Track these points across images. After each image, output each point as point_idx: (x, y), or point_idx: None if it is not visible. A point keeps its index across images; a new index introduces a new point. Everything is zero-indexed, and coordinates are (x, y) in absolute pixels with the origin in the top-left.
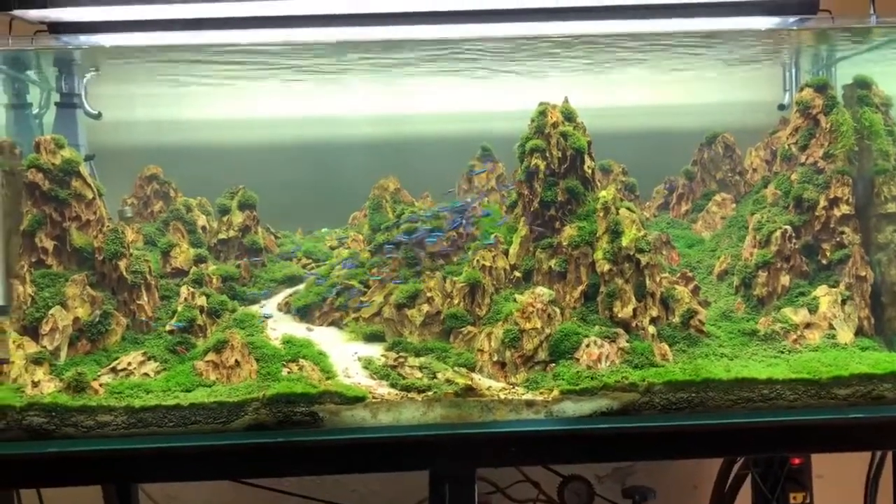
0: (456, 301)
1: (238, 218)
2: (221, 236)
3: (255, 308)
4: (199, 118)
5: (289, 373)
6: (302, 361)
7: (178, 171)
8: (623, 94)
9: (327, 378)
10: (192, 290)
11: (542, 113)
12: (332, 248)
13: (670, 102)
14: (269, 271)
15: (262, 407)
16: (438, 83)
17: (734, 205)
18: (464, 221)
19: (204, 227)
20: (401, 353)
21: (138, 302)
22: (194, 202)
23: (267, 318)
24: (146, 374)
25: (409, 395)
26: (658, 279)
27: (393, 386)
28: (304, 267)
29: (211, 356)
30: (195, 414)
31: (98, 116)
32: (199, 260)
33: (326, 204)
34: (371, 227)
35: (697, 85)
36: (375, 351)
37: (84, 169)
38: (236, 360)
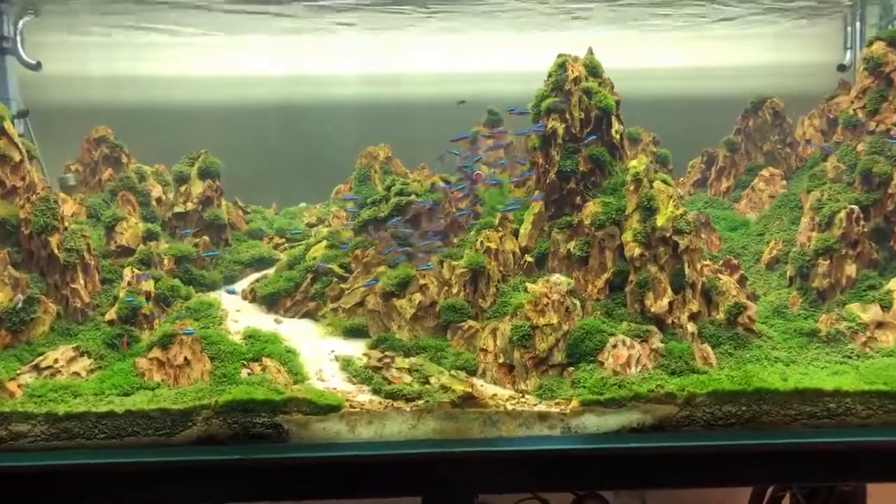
0: (455, 290)
1: (198, 188)
2: (178, 209)
3: (213, 295)
4: (162, 74)
5: (249, 374)
6: (266, 361)
7: (133, 134)
8: (653, 53)
9: (296, 382)
10: (137, 272)
11: (562, 66)
12: (311, 226)
13: (706, 64)
14: (235, 251)
15: (215, 416)
16: (439, 38)
17: (784, 181)
18: (472, 186)
19: (159, 200)
20: (387, 353)
21: (73, 286)
22: (149, 170)
23: (231, 293)
24: (76, 374)
25: (396, 404)
26: (699, 267)
27: (376, 392)
28: (276, 247)
29: (156, 353)
30: (132, 423)
31: (37, 67)
32: (149, 237)
33: (306, 174)
34: (357, 201)
35: (738, 44)
36: (356, 349)
37: (11, 126)
38: (186, 358)
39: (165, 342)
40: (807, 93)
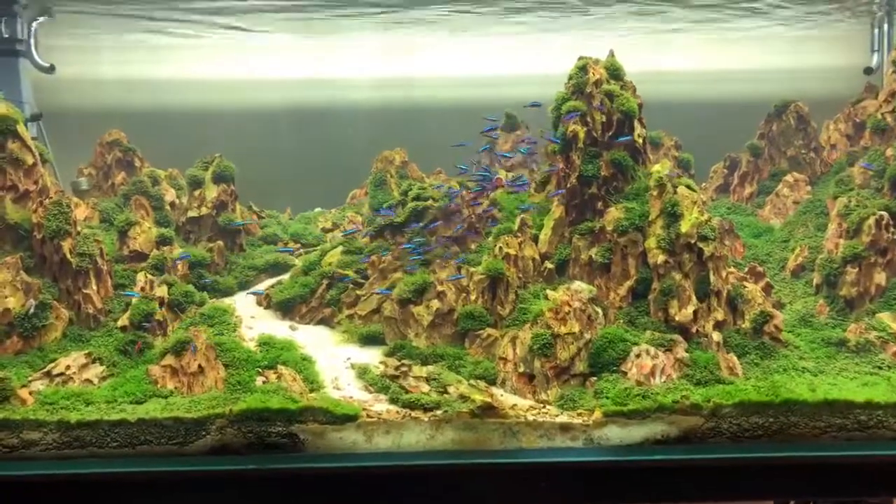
0: (473, 297)
1: (212, 192)
2: (192, 214)
3: (227, 301)
4: (176, 77)
5: (264, 382)
6: (281, 369)
7: (146, 138)
8: (673, 56)
9: (311, 390)
10: (150, 277)
11: (583, 69)
12: (326, 231)
13: (724, 67)
14: (249, 257)
15: (229, 425)
16: (454, 41)
17: (809, 187)
18: (490, 189)
19: (173, 204)
20: (404, 361)
21: (85, 291)
22: (163, 174)
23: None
24: (88, 381)
25: (414, 414)
26: (724, 274)
27: (393, 402)
28: (291, 253)
29: (169, 360)
30: (145, 432)
31: (51, 70)
32: (162, 241)
33: (321, 179)
34: (372, 206)
35: (757, 47)
36: (373, 357)
37: (24, 129)
38: (200, 366)
39: (179, 349)
40: (830, 97)
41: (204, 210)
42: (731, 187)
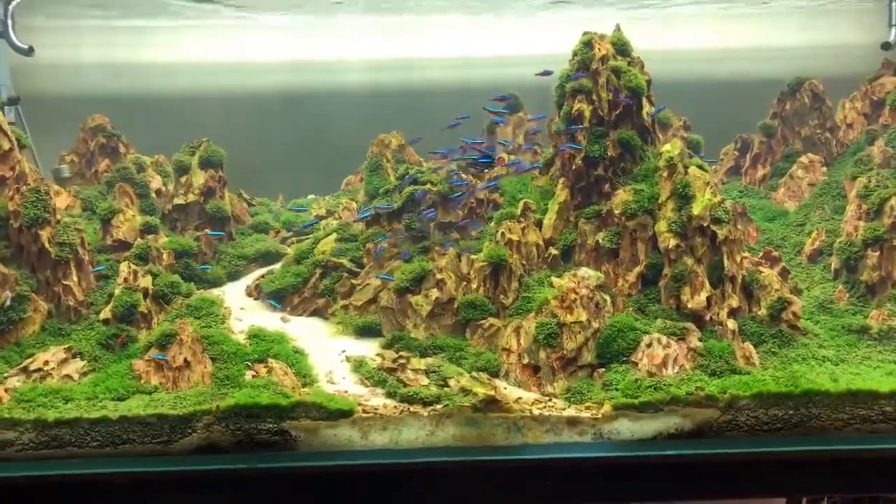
0: (474, 285)
1: (199, 178)
2: (178, 201)
3: (215, 292)
4: (164, 61)
5: (254, 377)
6: (272, 362)
7: (132, 124)
8: (681, 34)
9: (304, 384)
10: (134, 267)
11: (588, 44)
12: (320, 219)
13: (733, 45)
14: (239, 246)
15: (216, 422)
16: (452, 21)
17: (825, 168)
18: (493, 162)
19: (159, 191)
20: (402, 353)
21: (65, 282)
22: (148, 160)
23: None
24: (68, 377)
25: (412, 409)
26: (739, 259)
27: (391, 396)
28: (283, 241)
29: (154, 353)
30: (127, 430)
31: (29, 52)
32: (147, 230)
33: (315, 165)
34: (367, 192)
35: (767, 23)
36: (369, 349)
37: (0, 114)
38: (186, 360)
39: (164, 342)
40: (845, 75)
41: (191, 197)
42: (743, 169)
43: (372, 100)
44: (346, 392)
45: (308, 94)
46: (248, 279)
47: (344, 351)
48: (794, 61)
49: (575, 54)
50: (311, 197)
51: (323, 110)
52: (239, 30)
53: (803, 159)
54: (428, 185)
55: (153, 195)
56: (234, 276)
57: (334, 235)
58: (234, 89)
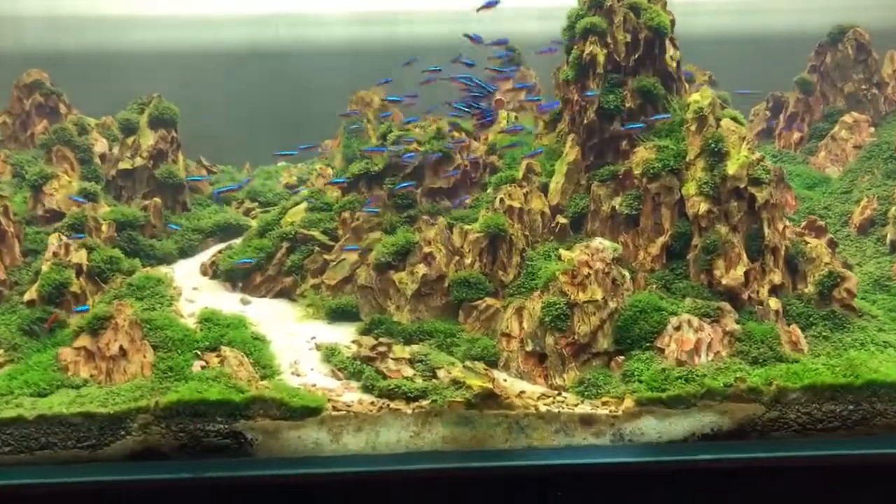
0: (469, 260)
1: (148, 139)
2: (123, 165)
3: (164, 269)
4: (117, 14)
5: (203, 368)
6: (225, 351)
7: (77, 82)
8: None
9: (263, 377)
10: (66, 240)
11: None
12: (290, 188)
13: None
14: (194, 217)
15: (156, 422)
16: None
17: (872, 128)
18: (491, 113)
19: (104, 156)
20: (382, 339)
21: None
22: (93, 122)
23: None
24: None
25: (394, 405)
26: (781, 227)
27: (368, 390)
28: (247, 213)
29: (84, 340)
30: (47, 432)
31: None
32: (85, 197)
33: (287, 129)
34: (345, 155)
35: None
36: (344, 335)
37: None
38: (122, 347)
39: (97, 327)
40: (891, 27)
41: (138, 161)
42: (777, 131)
43: (353, 56)
44: (313, 386)
45: (280, 52)
46: (205, 255)
47: (314, 337)
48: (833, 14)
49: None
50: (282, 164)
51: (297, 67)
52: None
53: (847, 118)
54: (414, 145)
55: (97, 160)
56: (187, 252)
57: (304, 204)
58: (197, 45)
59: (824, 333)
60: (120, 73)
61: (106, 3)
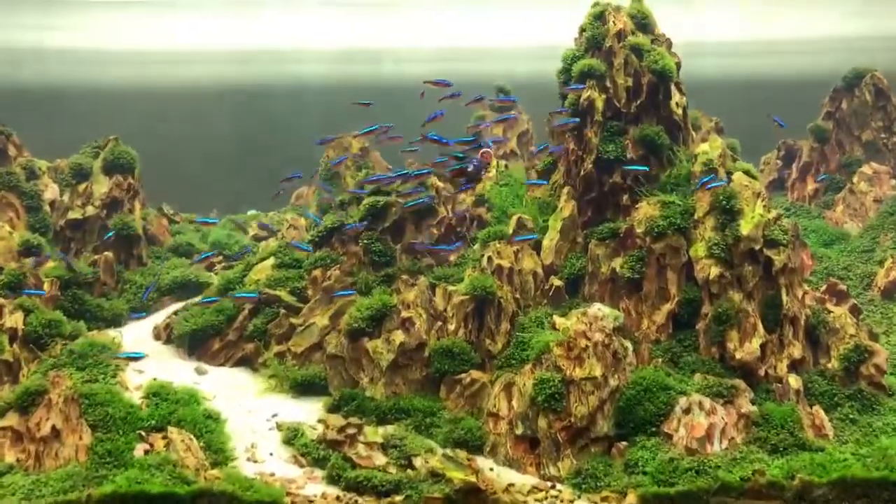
0: (452, 326)
1: (102, 186)
2: (73, 215)
3: (112, 333)
4: (78, 47)
5: (147, 452)
6: (172, 432)
7: (30, 120)
8: (705, 25)
9: (215, 463)
10: (1, 301)
11: (599, 17)
12: (258, 240)
13: (774, 37)
14: (150, 273)
15: None
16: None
17: (894, 181)
18: (480, 163)
19: (53, 204)
20: (352, 419)
21: None
22: (44, 166)
23: (135, 358)
24: None
25: (362, 501)
26: (801, 294)
27: (333, 481)
28: (210, 268)
29: (11, 419)
30: None
31: None
32: (27, 251)
33: (260, 174)
34: (320, 205)
35: (813, 13)
36: (310, 412)
37: None
38: (55, 428)
39: (27, 403)
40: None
41: (90, 210)
42: (789, 182)
43: (332, 96)
44: (272, 475)
45: (255, 90)
46: (160, 316)
47: (275, 415)
48: (847, 55)
49: (583, 30)
50: (251, 213)
51: (273, 107)
52: (171, 15)
53: (866, 169)
54: (394, 197)
55: (46, 208)
56: (140, 312)
57: (272, 260)
58: (164, 82)
59: (851, 416)
60: (79, 112)
61: (68, 36)
